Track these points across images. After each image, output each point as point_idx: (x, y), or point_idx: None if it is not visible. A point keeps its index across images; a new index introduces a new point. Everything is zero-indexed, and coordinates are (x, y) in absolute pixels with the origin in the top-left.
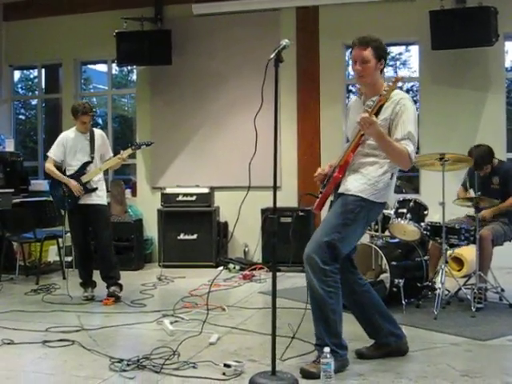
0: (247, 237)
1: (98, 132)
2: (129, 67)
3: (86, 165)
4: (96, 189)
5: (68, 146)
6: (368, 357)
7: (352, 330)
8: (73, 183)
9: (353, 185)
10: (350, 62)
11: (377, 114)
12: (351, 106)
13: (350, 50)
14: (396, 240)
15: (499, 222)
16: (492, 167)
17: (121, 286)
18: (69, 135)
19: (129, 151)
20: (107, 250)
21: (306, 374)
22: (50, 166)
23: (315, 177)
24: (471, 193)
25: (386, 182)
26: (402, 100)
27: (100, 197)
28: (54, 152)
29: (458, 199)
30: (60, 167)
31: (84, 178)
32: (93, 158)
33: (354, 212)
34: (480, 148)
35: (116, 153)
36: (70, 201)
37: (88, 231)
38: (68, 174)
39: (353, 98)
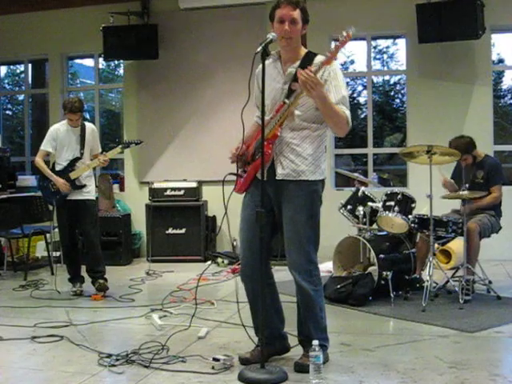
0: (235, 231)
1: (89, 126)
2: (116, 62)
3: (75, 161)
4: (84, 186)
5: (58, 140)
6: (254, 361)
7: (339, 323)
8: (60, 181)
9: (292, 168)
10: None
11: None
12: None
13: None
14: (384, 233)
15: (486, 215)
16: (475, 160)
17: (106, 280)
18: (59, 128)
19: (118, 150)
20: (94, 245)
21: (301, 368)
22: (39, 161)
23: (230, 158)
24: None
25: (323, 156)
26: (330, 65)
27: (88, 192)
28: (45, 144)
29: (446, 195)
30: (47, 161)
31: (73, 175)
32: (82, 153)
33: (314, 201)
34: (461, 138)
35: (104, 149)
36: (59, 196)
37: (75, 226)
38: (57, 169)
39: (266, 62)
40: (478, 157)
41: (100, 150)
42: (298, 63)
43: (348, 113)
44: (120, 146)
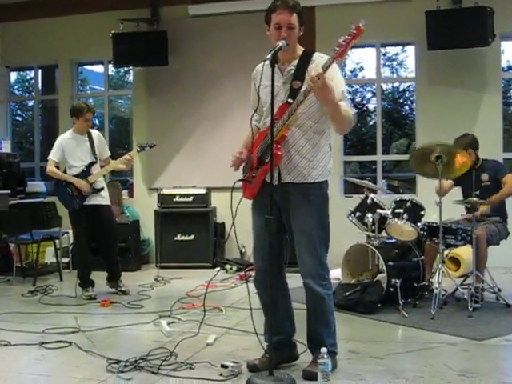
0: (244, 237)
1: (95, 132)
2: (125, 68)
3: (90, 165)
4: (103, 188)
5: (67, 148)
6: (262, 368)
7: (348, 331)
8: (82, 183)
9: (297, 171)
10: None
11: (299, 78)
12: (261, 71)
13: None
14: (393, 240)
15: (493, 222)
16: (475, 165)
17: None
18: (66, 137)
19: (134, 153)
20: (113, 249)
21: (309, 375)
22: (52, 169)
23: (234, 162)
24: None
25: (328, 156)
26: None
27: (104, 197)
28: (53, 154)
29: (457, 200)
30: (58, 168)
31: (91, 179)
32: (96, 158)
33: (322, 204)
34: (464, 135)
35: (114, 156)
36: (78, 200)
37: (91, 231)
38: (73, 174)
39: (262, 64)
40: (478, 161)
41: (109, 154)
42: (295, 62)
43: (352, 111)
44: (136, 149)
